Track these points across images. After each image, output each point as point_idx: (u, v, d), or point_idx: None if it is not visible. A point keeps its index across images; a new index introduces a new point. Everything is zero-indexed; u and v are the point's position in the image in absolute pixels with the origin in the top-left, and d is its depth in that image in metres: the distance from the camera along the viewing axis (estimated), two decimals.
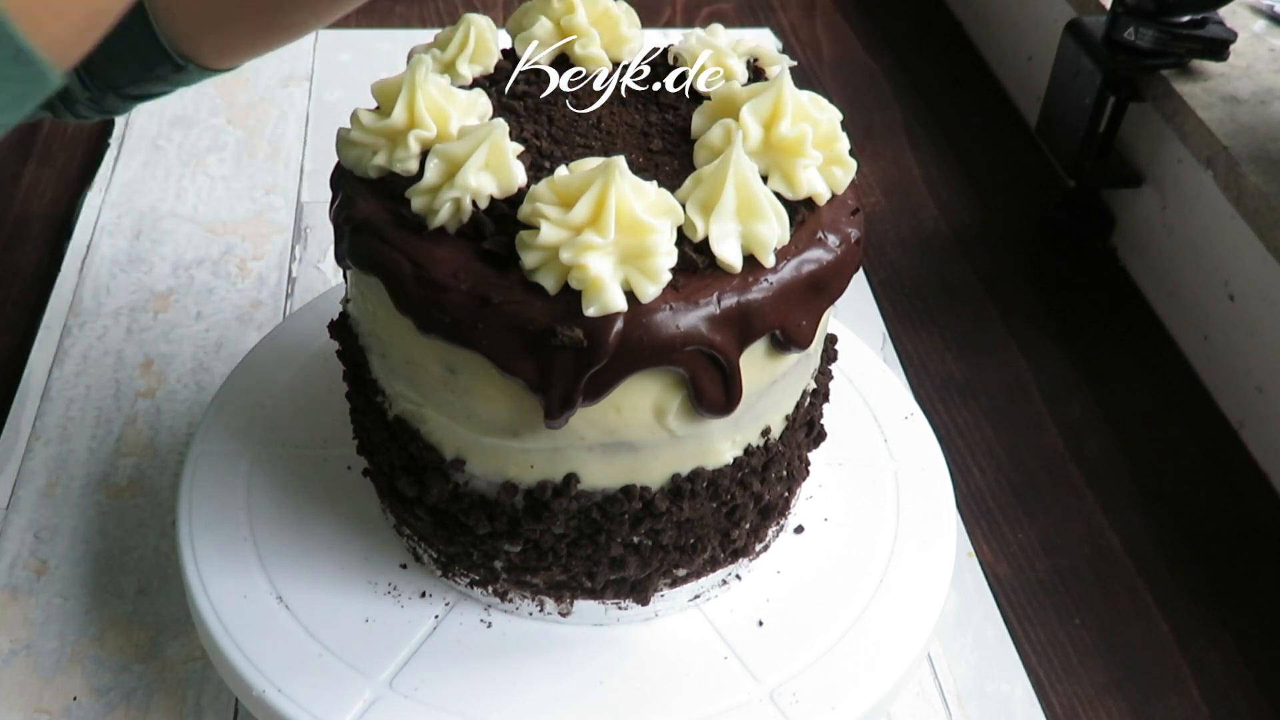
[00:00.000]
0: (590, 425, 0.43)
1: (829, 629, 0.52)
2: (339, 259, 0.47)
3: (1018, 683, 0.60)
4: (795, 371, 0.47)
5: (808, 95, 0.45)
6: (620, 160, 0.40)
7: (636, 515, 0.47)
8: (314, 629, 0.50)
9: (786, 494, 0.53)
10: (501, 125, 0.43)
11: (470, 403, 0.44)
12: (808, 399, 0.51)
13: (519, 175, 0.43)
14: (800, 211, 0.44)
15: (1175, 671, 0.62)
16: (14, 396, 0.70)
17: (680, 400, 0.43)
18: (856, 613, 0.52)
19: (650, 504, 0.46)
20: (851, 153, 0.46)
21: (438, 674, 0.49)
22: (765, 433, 0.48)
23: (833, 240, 0.45)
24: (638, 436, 0.44)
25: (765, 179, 0.44)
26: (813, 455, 0.55)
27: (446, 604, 0.52)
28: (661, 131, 0.48)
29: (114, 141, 0.90)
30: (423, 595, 0.52)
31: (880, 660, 0.50)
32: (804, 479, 0.55)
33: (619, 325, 0.40)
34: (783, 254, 0.43)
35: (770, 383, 0.46)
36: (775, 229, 0.42)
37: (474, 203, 0.42)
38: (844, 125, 0.46)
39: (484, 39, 0.50)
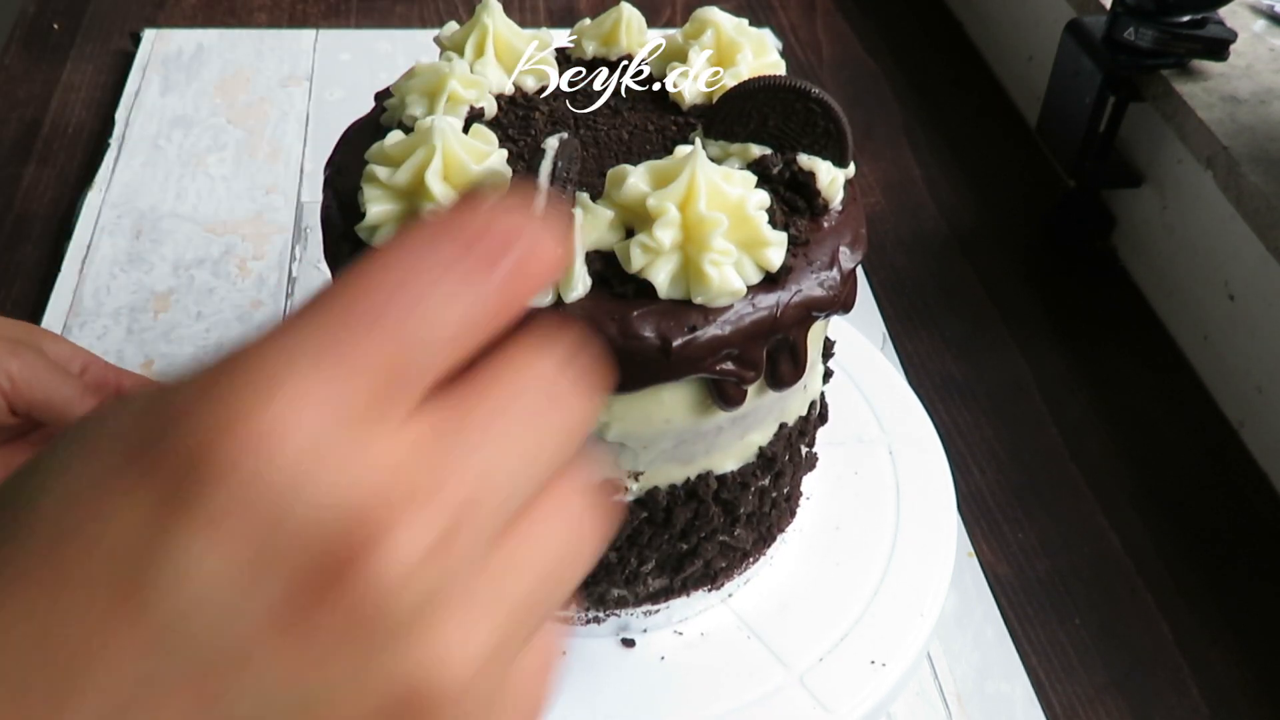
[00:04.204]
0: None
1: (829, 630, 0.52)
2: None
3: (1018, 683, 0.60)
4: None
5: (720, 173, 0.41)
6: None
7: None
8: None
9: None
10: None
11: None
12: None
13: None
14: None
15: (1175, 671, 0.62)
16: None
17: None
18: (856, 613, 0.52)
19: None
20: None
21: None
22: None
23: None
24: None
25: None
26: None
27: None
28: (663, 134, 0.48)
29: (114, 141, 0.90)
30: None
31: (880, 660, 0.50)
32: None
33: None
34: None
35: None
36: None
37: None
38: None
39: (617, 28, 0.51)
